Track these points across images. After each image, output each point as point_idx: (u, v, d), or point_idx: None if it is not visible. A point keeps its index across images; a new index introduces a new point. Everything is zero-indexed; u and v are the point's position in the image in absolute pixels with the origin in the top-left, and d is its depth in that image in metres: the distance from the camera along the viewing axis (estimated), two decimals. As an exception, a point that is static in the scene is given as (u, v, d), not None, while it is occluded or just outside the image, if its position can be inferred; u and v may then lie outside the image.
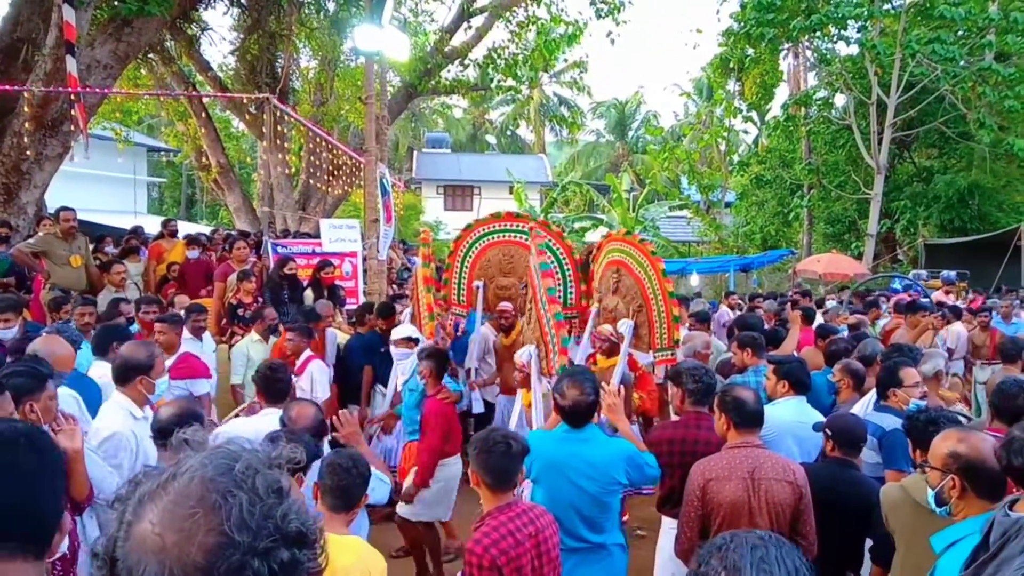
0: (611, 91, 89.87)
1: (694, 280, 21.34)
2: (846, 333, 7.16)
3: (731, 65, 25.97)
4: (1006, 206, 21.91)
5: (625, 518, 5.84)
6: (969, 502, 2.61)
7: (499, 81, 17.82)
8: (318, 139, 14.70)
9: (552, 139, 46.71)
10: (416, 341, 6.26)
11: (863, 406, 4.98)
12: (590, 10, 15.43)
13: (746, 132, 35.55)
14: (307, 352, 6.23)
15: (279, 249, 10.04)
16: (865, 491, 3.78)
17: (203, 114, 18.47)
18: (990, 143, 20.37)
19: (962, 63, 19.72)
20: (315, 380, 6.07)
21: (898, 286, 16.46)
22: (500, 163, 38.50)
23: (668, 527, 4.30)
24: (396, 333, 6.40)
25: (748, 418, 3.70)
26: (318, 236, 10.87)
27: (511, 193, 31.35)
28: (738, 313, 10.10)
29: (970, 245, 19.98)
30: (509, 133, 46.79)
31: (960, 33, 20.37)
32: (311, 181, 16.75)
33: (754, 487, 3.55)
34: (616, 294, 6.53)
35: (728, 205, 31.80)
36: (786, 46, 24.36)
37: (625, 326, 5.92)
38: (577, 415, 3.74)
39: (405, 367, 6.13)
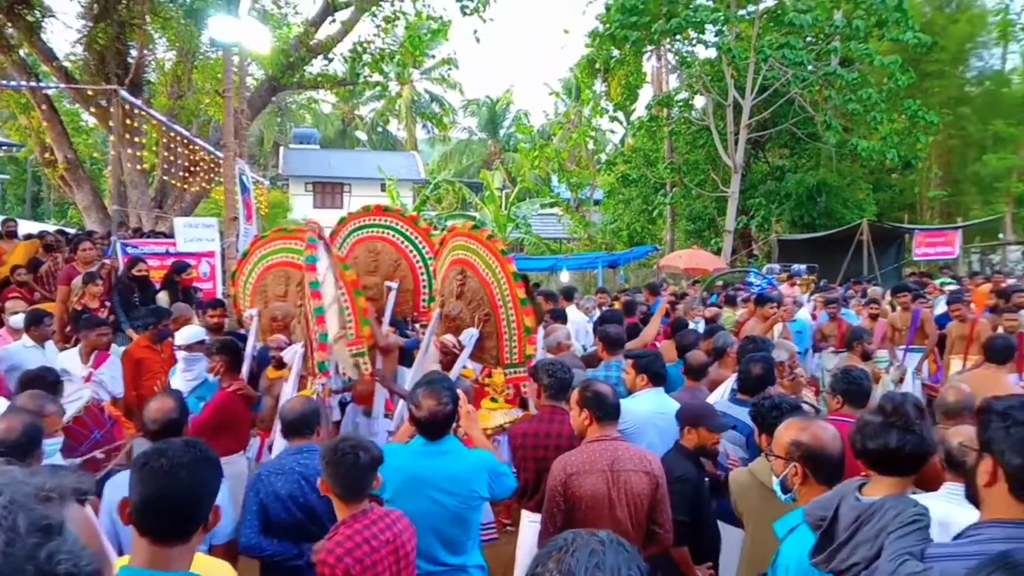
0: (483, 89, 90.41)
1: (564, 277, 21.68)
2: (702, 326, 7.43)
3: (597, 66, 26.57)
4: (850, 203, 23.38)
5: (507, 522, 5.83)
6: (810, 488, 2.71)
7: (366, 76, 17.50)
8: (172, 134, 13.97)
9: (424, 136, 46.45)
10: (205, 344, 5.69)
11: (718, 396, 5.16)
12: (456, 7, 15.39)
13: (613, 132, 36.51)
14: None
15: (129, 250, 9.47)
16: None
17: (45, 106, 17.22)
18: (836, 144, 21.71)
19: (810, 68, 20.92)
20: (107, 378, 5.78)
21: (753, 280, 17.25)
22: (371, 160, 37.95)
23: (528, 520, 4.31)
24: (181, 337, 5.74)
25: (608, 412, 3.75)
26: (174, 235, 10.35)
27: (383, 191, 30.95)
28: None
29: (818, 240, 21.19)
30: (380, 130, 46.22)
31: (808, 39, 21.60)
32: (167, 178, 15.92)
33: (613, 479, 3.60)
34: (460, 299, 5.76)
35: (597, 203, 32.57)
36: (649, 48, 25.13)
37: (468, 336, 5.50)
38: (434, 426, 3.53)
39: (195, 373, 5.56)
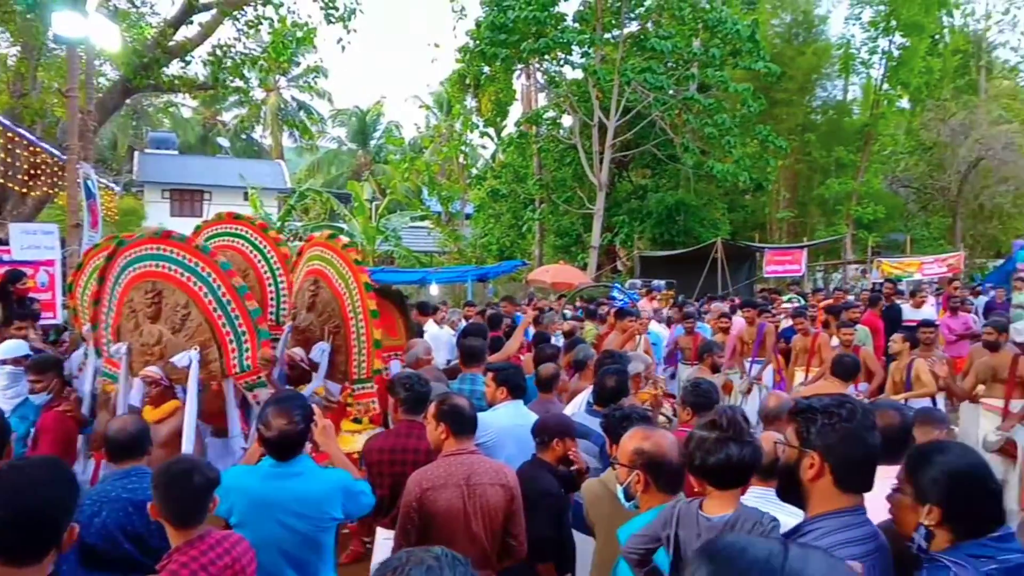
0: (354, 99, 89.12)
1: (434, 290, 21.62)
2: (562, 340, 7.57)
3: (468, 81, 26.77)
4: (707, 222, 24.52)
5: (367, 540, 5.68)
6: (652, 495, 2.79)
7: (228, 81, 16.89)
8: (11, 134, 13.00)
9: (291, 145, 45.29)
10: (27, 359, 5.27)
11: (575, 408, 5.25)
12: (322, 14, 15.09)
13: (484, 147, 36.80)
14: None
15: (-42, 258, 8.73)
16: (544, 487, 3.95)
17: None
18: (693, 165, 22.76)
19: (670, 92, 21.85)
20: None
21: (616, 294, 17.77)
22: (233, 167, 36.66)
23: (383, 537, 4.23)
24: (2, 351, 5.28)
25: (465, 426, 3.74)
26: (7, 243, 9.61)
27: (246, 199, 29.93)
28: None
29: (677, 257, 22.11)
30: (244, 137, 44.74)
31: (669, 64, 22.55)
32: (4, 181, 14.76)
33: (469, 493, 3.58)
34: (311, 311, 5.55)
35: (468, 217, 32.71)
36: (519, 67, 25.56)
37: (319, 350, 5.30)
38: (284, 447, 3.34)
39: (16, 391, 5.11)
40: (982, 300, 14.29)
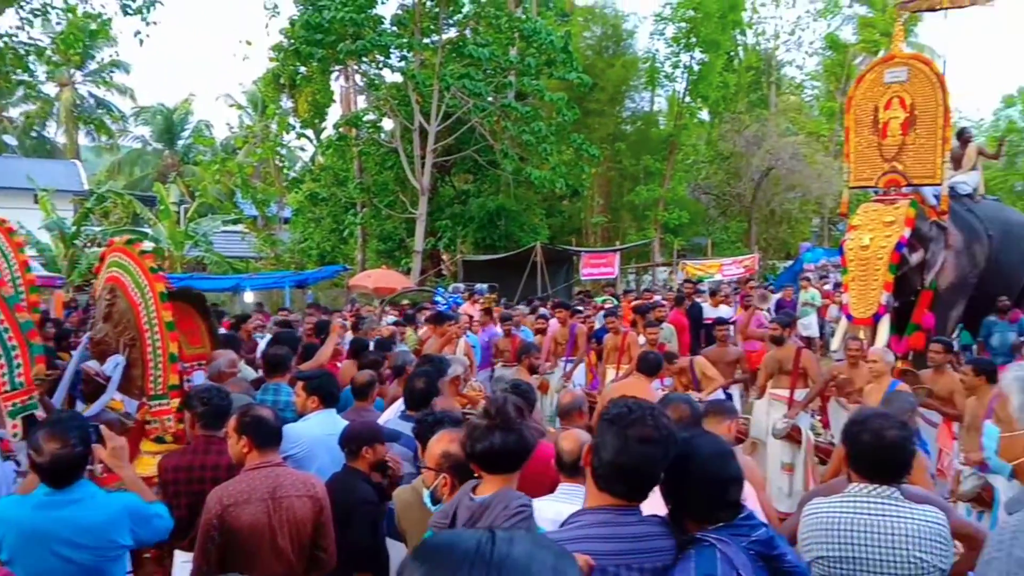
0: (160, 96, 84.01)
1: (248, 297, 20.78)
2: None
3: (283, 81, 25.95)
4: (527, 227, 25.10)
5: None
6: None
7: (11, 73, 15.42)
8: None
9: (89, 144, 41.95)
10: None
11: (391, 414, 5.19)
12: (117, 5, 14.09)
13: (303, 149, 35.76)
14: None
15: None
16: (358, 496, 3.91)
17: None
18: (512, 171, 23.24)
19: (489, 99, 22.20)
20: None
21: (440, 299, 17.82)
22: (21, 167, 33.35)
23: (181, 560, 3.99)
24: None
25: (269, 437, 3.59)
26: None
27: (36, 202, 27.39)
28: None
29: (499, 261, 22.48)
30: (34, 134, 40.97)
31: (487, 71, 22.90)
32: None
33: (275, 507, 3.45)
34: (108, 321, 5.25)
35: (285, 221, 31.64)
36: (336, 68, 25.07)
37: (113, 363, 5.00)
38: (59, 472, 3.06)
39: None
40: (773, 299, 15.48)
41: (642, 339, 8.52)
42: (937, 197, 9.35)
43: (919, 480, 3.17)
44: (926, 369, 6.90)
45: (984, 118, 42.03)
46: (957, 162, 10.44)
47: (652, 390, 5.49)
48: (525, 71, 22.34)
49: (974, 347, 10.56)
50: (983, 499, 4.70)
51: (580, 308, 11.23)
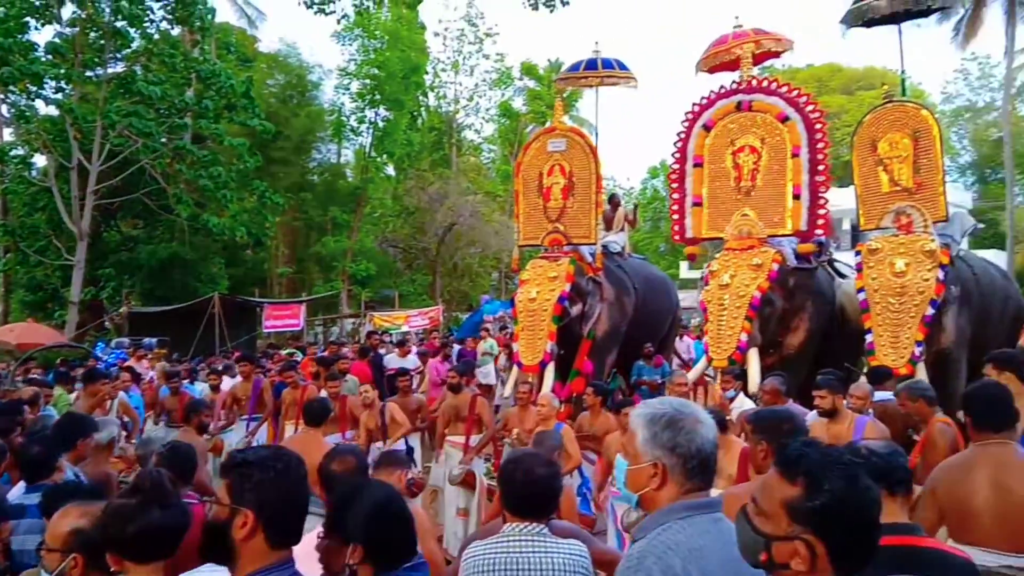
0: None
1: None
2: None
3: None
4: (204, 277, 23.70)
5: None
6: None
7: None
8: None
9: None
10: None
11: (16, 491, 4.52)
12: None
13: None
14: None
15: None
16: None
17: None
18: (188, 217, 21.85)
19: (162, 139, 20.78)
20: None
21: (100, 354, 16.11)
22: None
23: None
24: None
25: None
26: None
27: None
28: None
29: (172, 313, 20.89)
30: None
31: (161, 111, 21.48)
32: None
33: None
34: None
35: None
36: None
37: None
38: None
39: None
40: (456, 348, 16.06)
41: (323, 393, 8.34)
42: (593, 255, 10.38)
43: (568, 515, 3.42)
44: (584, 412, 7.52)
45: (634, 186, 47.86)
46: (609, 224, 11.70)
47: (325, 443, 5.34)
48: (203, 113, 21.32)
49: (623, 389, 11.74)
50: None
51: (263, 361, 10.76)
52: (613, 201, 12.38)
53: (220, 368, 10.80)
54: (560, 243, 10.21)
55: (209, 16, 22.11)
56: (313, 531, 2.19)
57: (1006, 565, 3.19)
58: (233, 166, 22.43)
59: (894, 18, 9.55)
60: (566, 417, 8.09)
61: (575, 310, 9.75)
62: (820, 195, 8.80)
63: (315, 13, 11.01)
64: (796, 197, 8.80)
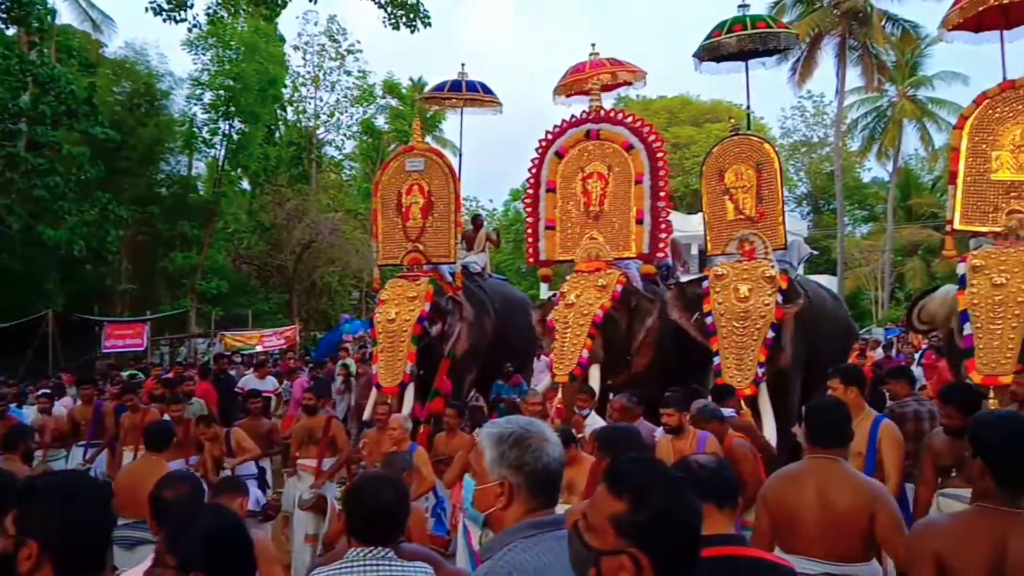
0: None
1: None
2: None
3: None
4: (37, 293, 22.02)
5: None
6: None
7: None
8: None
9: None
10: None
11: None
12: None
13: None
14: None
15: None
16: None
17: None
18: (20, 229, 20.31)
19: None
20: None
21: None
22: None
23: None
24: None
25: None
26: None
27: None
28: None
29: (0, 332, 19.30)
30: None
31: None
32: None
33: None
34: None
35: None
36: None
37: None
38: None
39: None
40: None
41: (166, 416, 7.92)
42: (453, 275, 10.42)
43: (417, 537, 3.38)
44: (441, 432, 7.51)
45: (497, 207, 48.38)
46: (470, 244, 11.79)
47: (167, 469, 5.08)
48: (39, 120, 19.92)
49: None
50: None
51: (103, 384, 10.14)
52: (476, 221, 12.49)
53: (50, 390, 10.08)
54: (419, 262, 10.19)
55: (49, 17, 20.80)
56: (146, 561, 2.08)
57: (826, 573, 3.42)
58: (73, 176, 21.04)
59: (742, 55, 10.18)
60: (425, 437, 8.07)
61: (435, 330, 9.74)
62: (661, 220, 9.26)
63: (164, 21, 10.54)
64: (639, 222, 9.23)
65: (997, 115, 7.81)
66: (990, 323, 6.95)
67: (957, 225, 7.93)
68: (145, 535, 4.34)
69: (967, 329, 7.10)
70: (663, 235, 9.30)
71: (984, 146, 7.82)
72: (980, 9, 8.15)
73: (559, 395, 8.15)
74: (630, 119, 9.74)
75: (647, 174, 9.26)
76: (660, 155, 9.35)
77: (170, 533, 2.03)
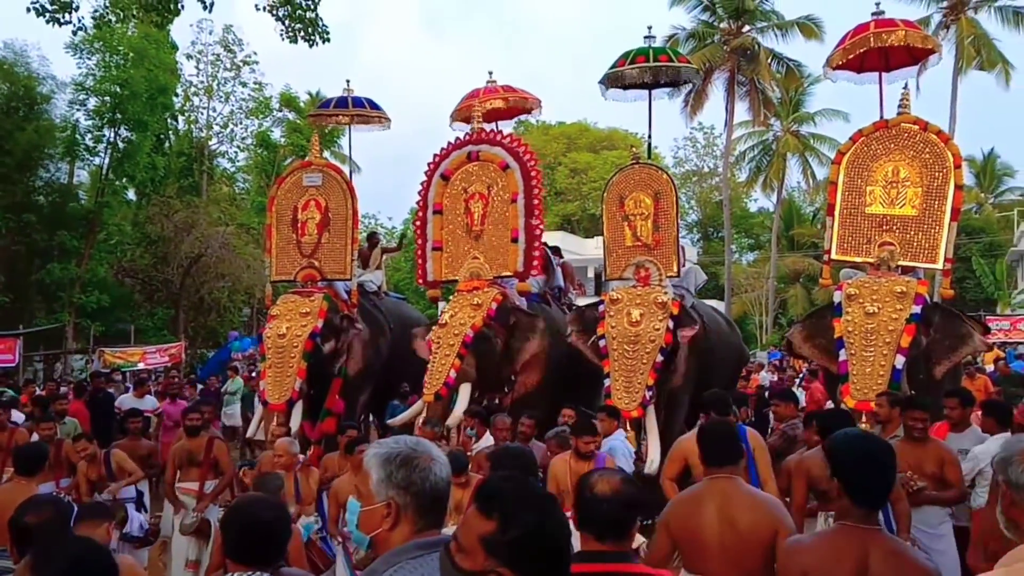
0: None
1: None
2: None
3: None
4: None
5: None
6: None
7: None
8: None
9: None
10: None
11: None
12: None
13: None
14: None
15: None
16: None
17: None
18: None
19: None
20: None
21: None
22: None
23: None
24: None
25: None
26: None
27: None
28: None
29: None
30: None
31: None
32: None
33: None
34: None
35: None
36: None
37: None
38: None
39: None
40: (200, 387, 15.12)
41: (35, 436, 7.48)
42: (348, 292, 10.27)
43: (296, 560, 3.29)
44: (332, 453, 7.35)
45: (396, 226, 48.04)
46: (366, 261, 11.67)
47: (36, 489, 4.79)
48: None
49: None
50: None
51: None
52: (372, 239, 12.38)
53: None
54: (314, 278, 10.02)
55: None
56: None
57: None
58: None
59: (645, 85, 10.49)
60: (316, 458, 7.88)
61: (327, 347, 9.56)
62: (535, 238, 9.42)
63: (47, 22, 10.02)
64: (514, 240, 9.34)
65: (871, 152, 8.37)
66: (863, 350, 7.39)
67: (834, 255, 8.44)
68: (7, 563, 4.07)
69: (842, 355, 7.52)
70: (536, 253, 9.45)
71: (859, 181, 8.36)
72: (862, 51, 8.76)
73: (423, 415, 8.19)
74: (507, 139, 9.90)
75: (521, 193, 9.39)
76: (534, 174, 9.50)
77: (31, 562, 1.92)
